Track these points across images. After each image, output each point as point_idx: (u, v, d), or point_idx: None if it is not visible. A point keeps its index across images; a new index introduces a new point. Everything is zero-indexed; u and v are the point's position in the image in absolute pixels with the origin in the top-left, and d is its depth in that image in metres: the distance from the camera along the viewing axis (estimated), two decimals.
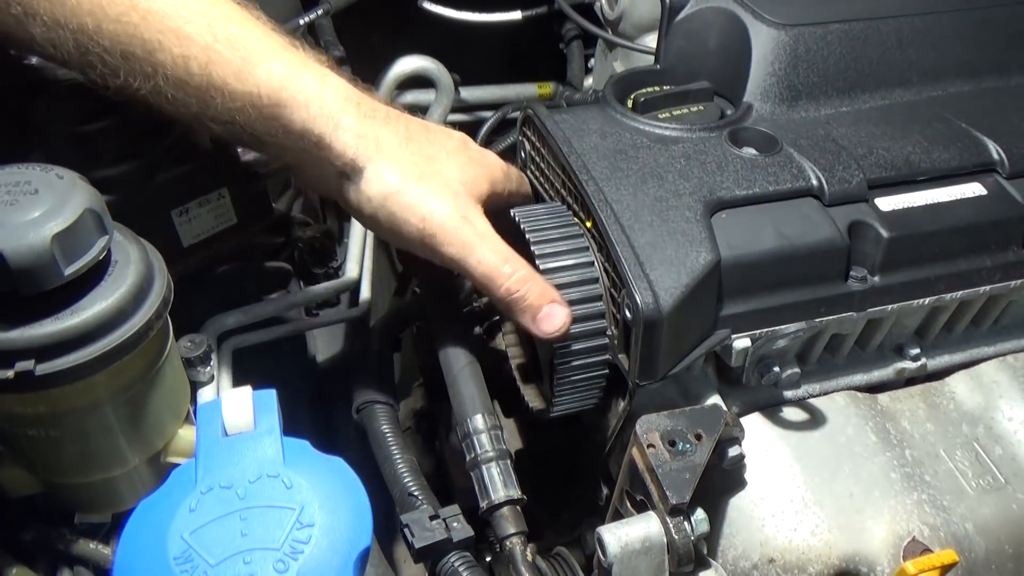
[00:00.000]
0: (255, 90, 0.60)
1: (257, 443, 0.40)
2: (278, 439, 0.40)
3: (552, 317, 0.63)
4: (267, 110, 0.61)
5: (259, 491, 0.38)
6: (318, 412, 0.85)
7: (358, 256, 0.94)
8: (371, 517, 0.38)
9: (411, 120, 0.70)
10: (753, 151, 0.69)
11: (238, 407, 0.40)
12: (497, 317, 0.90)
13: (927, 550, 0.60)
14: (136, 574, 0.36)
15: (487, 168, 0.70)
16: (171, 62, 0.58)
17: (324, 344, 0.93)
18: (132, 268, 0.50)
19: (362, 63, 1.06)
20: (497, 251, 0.64)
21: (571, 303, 0.64)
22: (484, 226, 0.65)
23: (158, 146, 0.69)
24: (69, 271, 0.47)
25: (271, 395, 0.42)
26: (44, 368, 0.47)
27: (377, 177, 0.64)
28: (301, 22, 0.93)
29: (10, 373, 0.46)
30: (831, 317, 0.65)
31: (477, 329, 0.99)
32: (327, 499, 0.38)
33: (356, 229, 0.97)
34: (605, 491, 0.75)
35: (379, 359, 0.79)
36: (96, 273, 0.49)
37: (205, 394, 0.69)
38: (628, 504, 0.63)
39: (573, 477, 0.86)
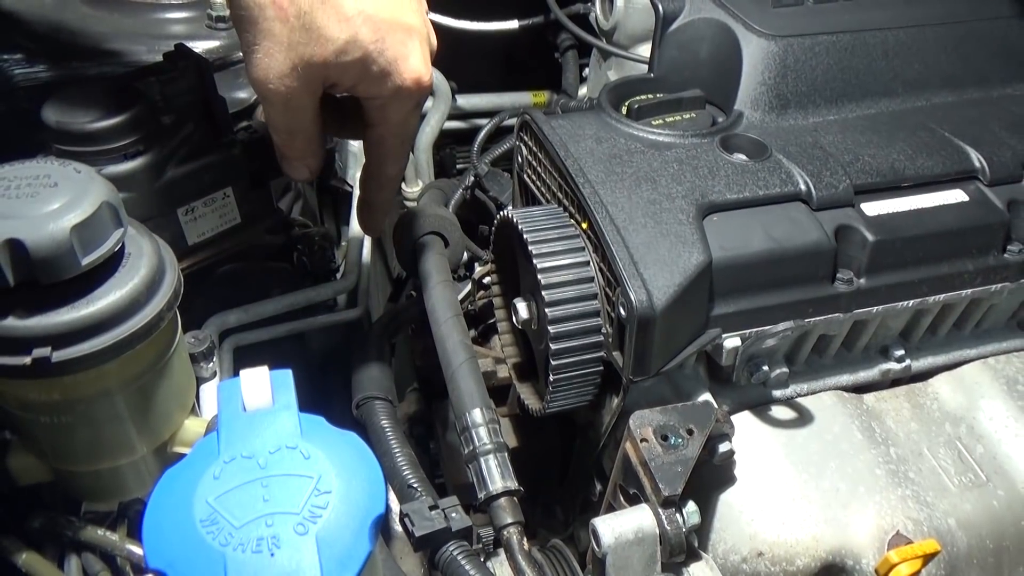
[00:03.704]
0: None
1: (275, 417, 0.42)
2: (295, 414, 0.42)
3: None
4: None
5: (279, 461, 0.40)
6: (317, 409, 0.86)
7: (356, 258, 0.96)
8: (384, 486, 0.40)
9: None
10: (744, 157, 0.72)
11: (257, 385, 0.42)
12: (492, 320, 0.91)
13: (911, 544, 0.62)
14: (164, 535, 0.37)
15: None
16: None
17: (322, 344, 0.95)
18: (145, 260, 0.52)
19: None
20: None
21: (567, 301, 0.65)
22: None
23: (166, 146, 0.70)
24: (86, 261, 0.48)
25: (287, 374, 0.44)
26: (60, 355, 0.48)
27: None
28: None
29: (27, 360, 0.47)
30: (818, 318, 0.67)
31: (472, 332, 1.00)
32: (343, 468, 0.40)
33: (354, 232, 0.98)
34: (599, 487, 0.77)
35: (377, 357, 0.81)
36: (111, 264, 0.51)
37: (208, 389, 0.71)
38: (621, 498, 0.64)
39: (566, 476, 0.87)
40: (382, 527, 0.54)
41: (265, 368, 0.44)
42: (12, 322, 0.48)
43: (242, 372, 0.43)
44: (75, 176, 0.50)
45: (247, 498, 0.38)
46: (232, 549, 0.37)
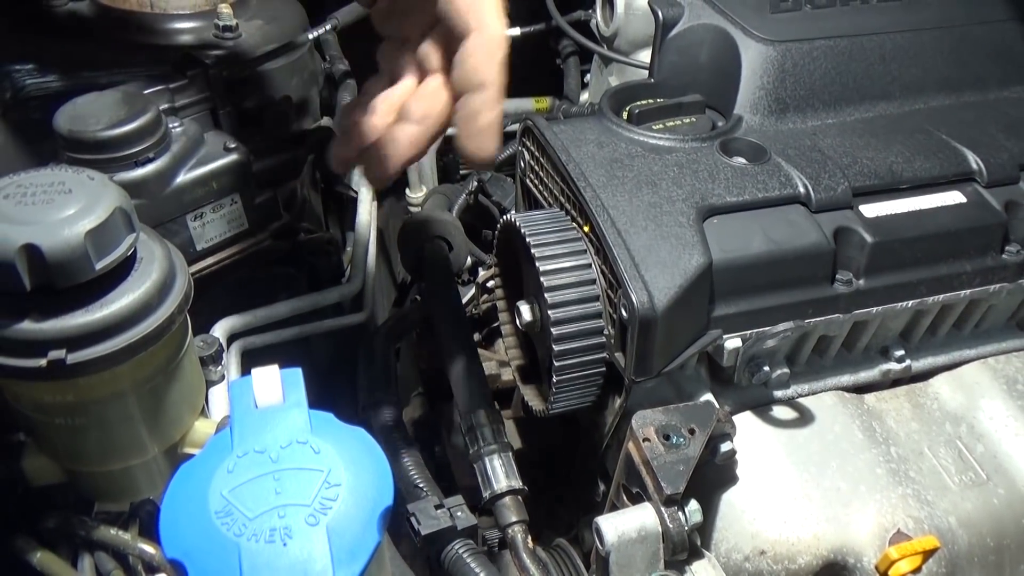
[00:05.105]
0: None
1: (286, 414, 0.43)
2: (305, 410, 0.44)
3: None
4: None
5: (290, 455, 0.41)
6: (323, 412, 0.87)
7: (361, 263, 0.97)
8: (392, 479, 0.42)
9: None
10: (743, 160, 0.72)
11: (268, 382, 0.44)
12: (496, 323, 0.92)
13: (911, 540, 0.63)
14: (181, 527, 0.39)
15: None
16: None
17: (328, 347, 0.96)
18: (156, 264, 0.53)
19: (367, 77, 1.09)
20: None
21: (570, 304, 0.66)
22: None
23: (175, 153, 0.72)
24: (100, 265, 0.50)
25: (297, 373, 0.46)
26: (75, 357, 0.49)
27: None
28: (309, 37, 0.96)
29: (43, 362, 0.49)
30: (818, 319, 0.68)
31: (476, 336, 1.01)
32: (352, 462, 0.41)
33: (359, 238, 0.99)
34: (602, 487, 0.77)
35: (383, 361, 0.82)
36: (124, 268, 0.52)
37: (216, 392, 0.72)
38: (624, 497, 0.65)
39: (570, 477, 0.88)
40: (392, 529, 0.55)
41: (276, 367, 0.45)
42: (28, 325, 0.49)
43: (253, 371, 0.45)
44: (89, 183, 0.51)
45: (260, 491, 0.40)
46: (246, 539, 0.39)
